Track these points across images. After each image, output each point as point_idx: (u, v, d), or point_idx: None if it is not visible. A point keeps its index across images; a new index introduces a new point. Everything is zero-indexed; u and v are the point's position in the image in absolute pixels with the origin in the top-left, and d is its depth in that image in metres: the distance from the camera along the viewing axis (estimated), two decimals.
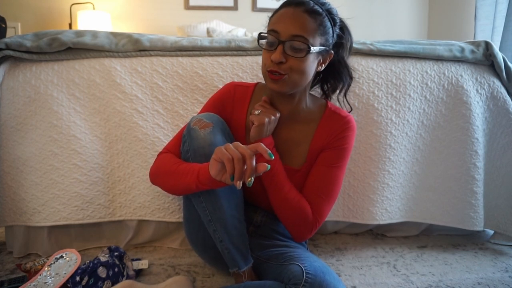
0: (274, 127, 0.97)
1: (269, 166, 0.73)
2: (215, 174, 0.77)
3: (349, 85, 1.04)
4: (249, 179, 0.72)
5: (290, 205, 0.95)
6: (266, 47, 0.90)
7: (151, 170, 0.99)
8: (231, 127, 1.00)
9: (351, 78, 1.03)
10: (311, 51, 0.86)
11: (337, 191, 0.99)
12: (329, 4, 0.92)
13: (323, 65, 0.95)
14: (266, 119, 0.92)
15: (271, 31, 0.88)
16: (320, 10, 0.88)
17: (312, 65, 0.91)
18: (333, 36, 0.92)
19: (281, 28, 0.86)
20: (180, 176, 0.87)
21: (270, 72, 0.88)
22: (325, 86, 1.07)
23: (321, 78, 1.07)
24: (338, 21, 0.94)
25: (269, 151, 0.72)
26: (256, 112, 0.94)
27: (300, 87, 0.93)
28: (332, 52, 0.95)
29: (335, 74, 1.02)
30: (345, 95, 1.05)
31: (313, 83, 1.09)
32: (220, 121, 0.94)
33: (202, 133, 0.88)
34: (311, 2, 0.88)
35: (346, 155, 0.99)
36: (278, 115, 0.96)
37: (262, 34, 0.91)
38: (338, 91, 1.05)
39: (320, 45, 0.89)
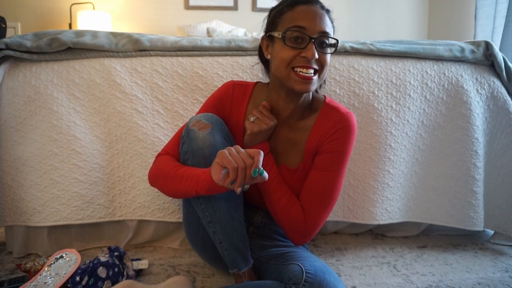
0: (269, 135, 0.96)
1: (266, 177, 0.75)
2: (218, 179, 0.76)
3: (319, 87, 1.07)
4: (246, 185, 0.76)
5: (280, 212, 0.94)
6: (292, 44, 0.86)
7: (150, 172, 0.98)
8: (229, 127, 1.00)
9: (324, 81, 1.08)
10: (338, 45, 0.90)
11: (333, 197, 0.94)
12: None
13: None
14: (258, 129, 0.92)
15: (296, 27, 0.86)
16: (330, 11, 0.92)
17: None
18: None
19: (308, 25, 0.85)
20: (179, 181, 0.86)
21: (294, 70, 0.86)
22: None
23: None
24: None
25: (262, 169, 0.74)
26: (252, 118, 0.93)
27: (321, 84, 0.95)
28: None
29: None
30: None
31: None
32: (219, 121, 0.92)
33: (201, 134, 0.87)
34: (321, 2, 0.91)
35: (342, 159, 0.94)
36: (273, 123, 0.94)
37: (288, 32, 0.86)
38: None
39: None
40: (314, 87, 0.89)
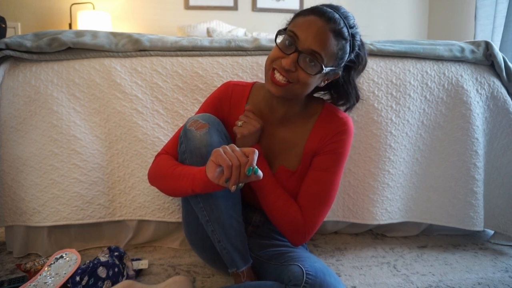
0: (258, 136, 0.98)
1: (261, 175, 0.76)
2: (213, 177, 0.77)
3: (354, 105, 1.01)
4: (241, 184, 0.76)
5: (278, 213, 0.94)
6: (281, 45, 0.86)
7: (149, 172, 1.00)
8: (228, 127, 1.00)
9: (357, 99, 1.00)
10: (322, 71, 0.85)
11: (331, 197, 0.96)
12: (356, 28, 0.88)
13: (326, 81, 0.93)
14: (247, 132, 0.94)
15: (292, 32, 0.85)
16: (346, 34, 0.85)
17: (317, 82, 0.90)
18: (346, 60, 0.90)
19: (302, 36, 0.83)
20: (176, 179, 0.87)
21: (273, 71, 0.86)
22: (332, 96, 1.04)
23: (328, 91, 1.04)
24: (357, 47, 0.90)
25: (256, 167, 0.74)
26: (239, 123, 0.96)
27: (297, 97, 0.93)
28: (339, 73, 0.93)
29: (342, 93, 0.99)
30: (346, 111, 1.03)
31: (316, 91, 1.06)
32: (217, 121, 0.93)
33: (198, 134, 0.88)
34: (342, 22, 0.84)
35: (341, 160, 0.96)
36: (259, 125, 0.96)
37: (282, 30, 0.87)
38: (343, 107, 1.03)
39: (332, 67, 0.87)
40: (284, 94, 0.88)
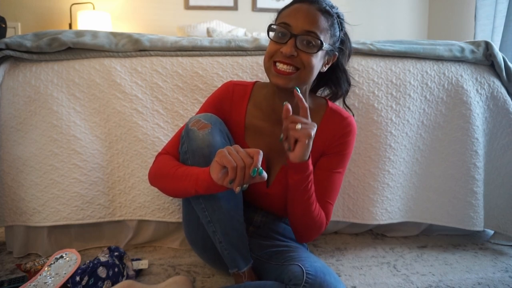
0: None
1: (265, 177, 0.75)
2: (218, 178, 0.76)
3: (347, 91, 1.04)
4: (245, 185, 0.76)
5: (312, 215, 0.92)
6: (275, 39, 0.89)
7: (150, 172, 0.99)
8: (229, 127, 1.00)
9: (349, 84, 1.03)
10: (323, 47, 0.87)
11: (337, 194, 1.00)
12: (337, 9, 0.93)
13: (327, 66, 0.95)
14: (314, 132, 0.82)
15: (282, 23, 0.87)
16: (331, 11, 0.90)
17: (319, 64, 0.91)
18: (338, 39, 0.94)
19: (293, 22, 0.86)
20: (178, 180, 0.87)
21: (275, 65, 0.87)
22: (331, 89, 1.06)
23: (321, 83, 1.06)
24: (344, 26, 0.95)
25: (261, 169, 0.74)
26: (298, 126, 0.81)
27: (304, 84, 0.93)
28: (337, 54, 0.96)
29: (333, 79, 1.03)
30: (344, 101, 1.06)
31: (316, 87, 1.08)
32: (219, 121, 0.93)
33: (200, 134, 0.88)
34: (323, 2, 0.89)
35: (346, 160, 0.99)
36: (316, 125, 0.85)
37: (272, 26, 0.90)
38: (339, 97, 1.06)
39: (329, 44, 0.90)
40: (291, 83, 0.88)
